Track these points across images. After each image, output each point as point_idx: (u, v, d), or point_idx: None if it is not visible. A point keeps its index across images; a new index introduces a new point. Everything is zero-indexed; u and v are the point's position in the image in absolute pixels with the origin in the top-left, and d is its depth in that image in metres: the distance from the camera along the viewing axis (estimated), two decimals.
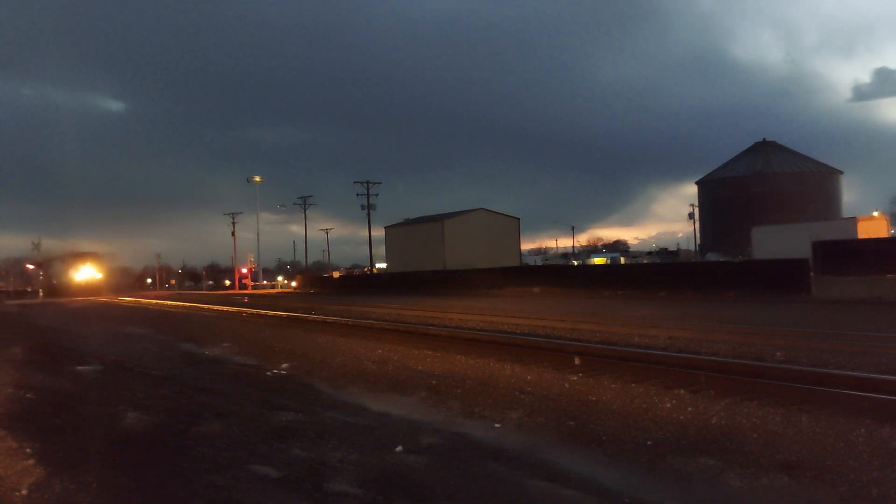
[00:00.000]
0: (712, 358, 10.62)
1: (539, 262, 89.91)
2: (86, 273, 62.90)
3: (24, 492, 5.65)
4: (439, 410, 8.47)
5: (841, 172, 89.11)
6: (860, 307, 21.39)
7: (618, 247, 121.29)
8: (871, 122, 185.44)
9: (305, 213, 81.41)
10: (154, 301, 46.70)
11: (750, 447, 6.42)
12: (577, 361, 11.28)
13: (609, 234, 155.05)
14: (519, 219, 75.41)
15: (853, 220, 53.37)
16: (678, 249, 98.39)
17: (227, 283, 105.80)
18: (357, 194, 71.16)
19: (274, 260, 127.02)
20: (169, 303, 42.62)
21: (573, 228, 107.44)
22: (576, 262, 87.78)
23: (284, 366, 12.54)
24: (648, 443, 6.72)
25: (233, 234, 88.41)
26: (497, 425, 7.67)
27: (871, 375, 8.63)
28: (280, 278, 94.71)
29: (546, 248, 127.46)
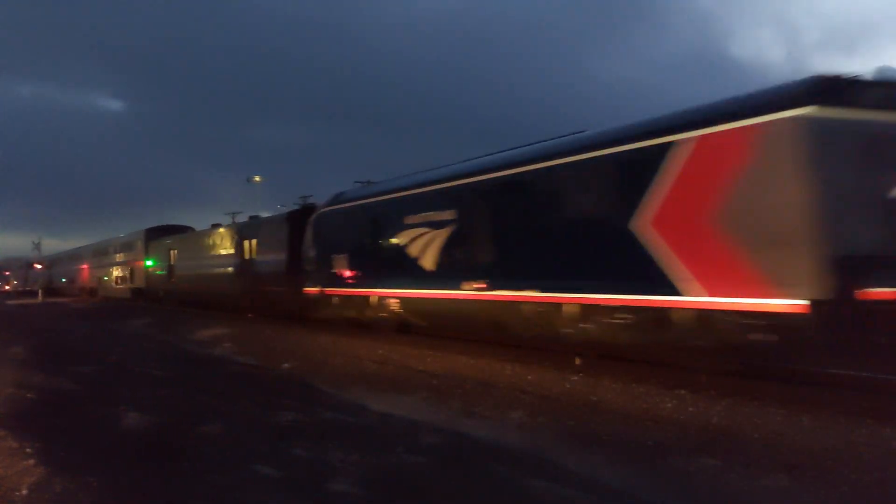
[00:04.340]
0: None
1: None
2: None
3: (24, 492, 5.65)
4: (440, 410, 8.46)
5: None
6: None
7: None
8: None
9: None
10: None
11: (751, 447, 6.41)
12: (577, 361, 11.27)
13: None
14: None
15: None
16: None
17: None
18: None
19: None
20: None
21: None
22: None
23: (285, 366, 12.54)
24: (649, 443, 6.71)
25: None
26: (498, 425, 7.66)
27: (872, 375, 8.61)
28: None
29: None
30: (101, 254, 49.26)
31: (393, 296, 15.30)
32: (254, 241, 23.63)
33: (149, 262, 36.80)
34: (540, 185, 11.45)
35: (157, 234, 36.88)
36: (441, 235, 13.46)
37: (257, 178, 42.11)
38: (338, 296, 17.56)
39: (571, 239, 10.73)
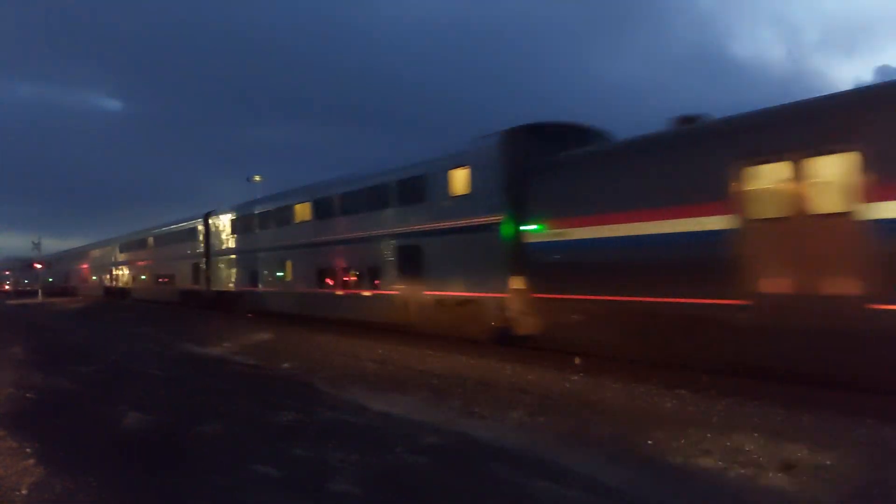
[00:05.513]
0: None
1: None
2: None
3: (24, 492, 5.65)
4: (440, 410, 8.46)
5: None
6: None
7: None
8: None
9: None
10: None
11: (751, 447, 6.41)
12: (577, 361, 11.27)
13: None
14: None
15: None
16: None
17: None
18: None
19: None
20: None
21: None
22: None
23: (285, 365, 12.53)
24: (649, 443, 6.71)
25: None
26: (498, 425, 7.66)
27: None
28: None
29: None
30: (255, 224, 24.38)
31: None
32: None
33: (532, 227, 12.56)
34: None
35: (559, 140, 13.59)
36: None
37: (257, 178, 41.95)
38: None
39: None
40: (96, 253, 53.27)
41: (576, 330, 11.59)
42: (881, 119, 7.97)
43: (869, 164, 7.80)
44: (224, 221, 27.64)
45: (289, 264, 22.11)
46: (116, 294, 45.68)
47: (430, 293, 15.20)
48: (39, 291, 54.18)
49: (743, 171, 9.04)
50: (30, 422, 8.36)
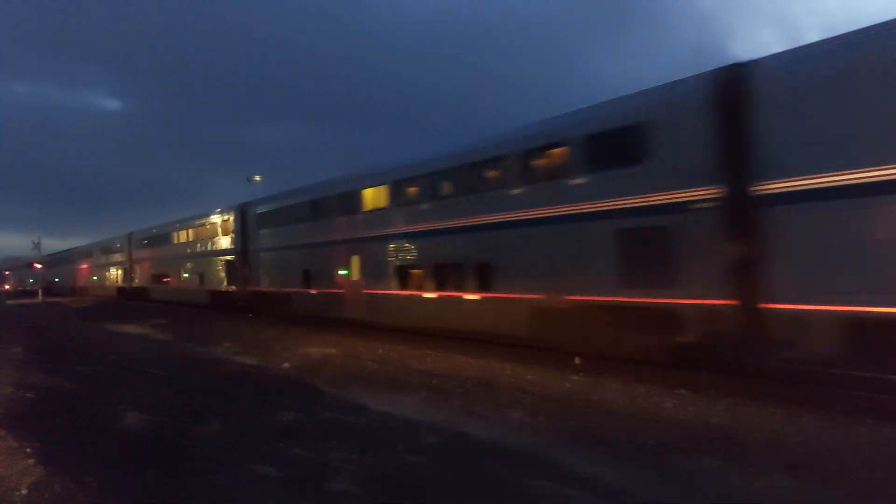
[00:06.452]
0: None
1: None
2: None
3: (24, 491, 5.65)
4: (440, 410, 8.46)
5: None
6: None
7: None
8: None
9: None
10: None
11: (752, 447, 6.41)
12: (577, 361, 11.27)
13: None
14: None
15: None
16: None
17: None
18: None
19: None
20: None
21: None
22: None
23: (285, 365, 12.52)
24: (650, 442, 6.71)
25: None
26: (498, 425, 7.66)
27: (873, 374, 8.60)
28: None
29: None
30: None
31: None
32: None
33: None
34: None
35: None
36: None
37: (257, 178, 41.76)
38: None
39: None
40: (182, 236, 32.34)
41: None
42: None
43: None
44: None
45: None
46: (250, 303, 25.42)
47: None
48: (39, 291, 54.04)
49: None
50: (30, 422, 8.36)
